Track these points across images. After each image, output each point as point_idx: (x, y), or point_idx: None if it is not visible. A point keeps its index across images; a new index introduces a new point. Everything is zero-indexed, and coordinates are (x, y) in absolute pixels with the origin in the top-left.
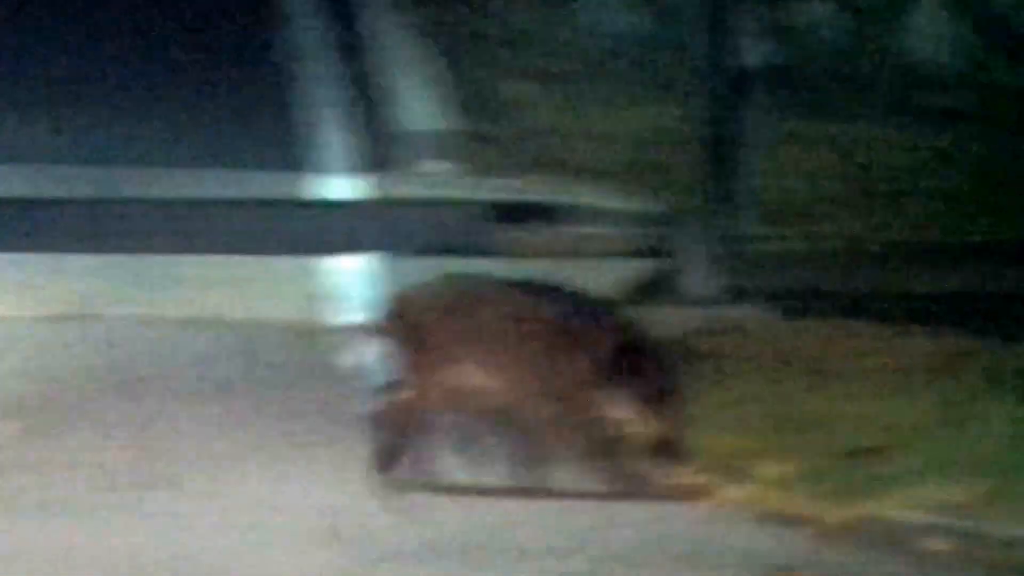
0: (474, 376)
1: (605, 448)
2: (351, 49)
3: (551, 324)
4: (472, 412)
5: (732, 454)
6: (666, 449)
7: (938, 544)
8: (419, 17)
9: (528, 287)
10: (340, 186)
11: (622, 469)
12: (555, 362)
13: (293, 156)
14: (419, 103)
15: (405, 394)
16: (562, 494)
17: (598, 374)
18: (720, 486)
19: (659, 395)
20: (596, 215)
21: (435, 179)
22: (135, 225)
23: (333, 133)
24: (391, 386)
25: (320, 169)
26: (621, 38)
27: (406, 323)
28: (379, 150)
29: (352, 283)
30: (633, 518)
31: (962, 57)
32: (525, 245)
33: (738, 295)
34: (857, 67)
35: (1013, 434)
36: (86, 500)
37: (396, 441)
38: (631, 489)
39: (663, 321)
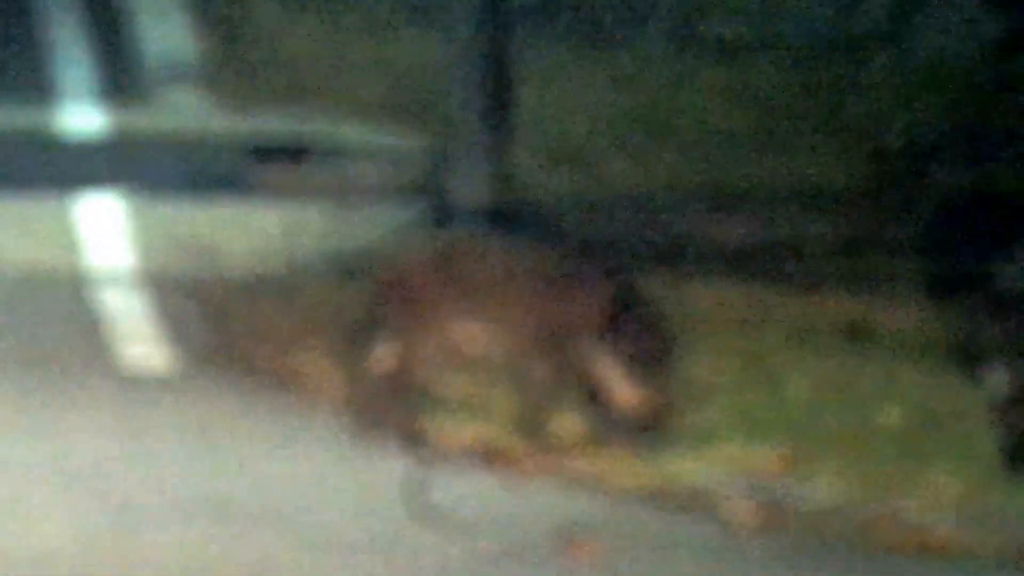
0: (465, 332)
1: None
2: None
3: (545, 275)
4: (461, 369)
5: (520, 411)
6: (654, 416)
7: (739, 508)
8: None
9: (517, 237)
10: (82, 118)
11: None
12: (546, 315)
13: (28, 85)
14: (166, 28)
15: (393, 356)
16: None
17: (590, 329)
18: (515, 446)
19: (653, 357)
20: (358, 152)
21: (184, 112)
22: None
23: (72, 60)
24: (377, 348)
25: (59, 99)
26: None
27: (394, 281)
28: (123, 79)
29: (98, 224)
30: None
31: None
32: (283, 184)
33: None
34: None
35: (815, 392)
36: None
37: (385, 406)
38: (414, 449)
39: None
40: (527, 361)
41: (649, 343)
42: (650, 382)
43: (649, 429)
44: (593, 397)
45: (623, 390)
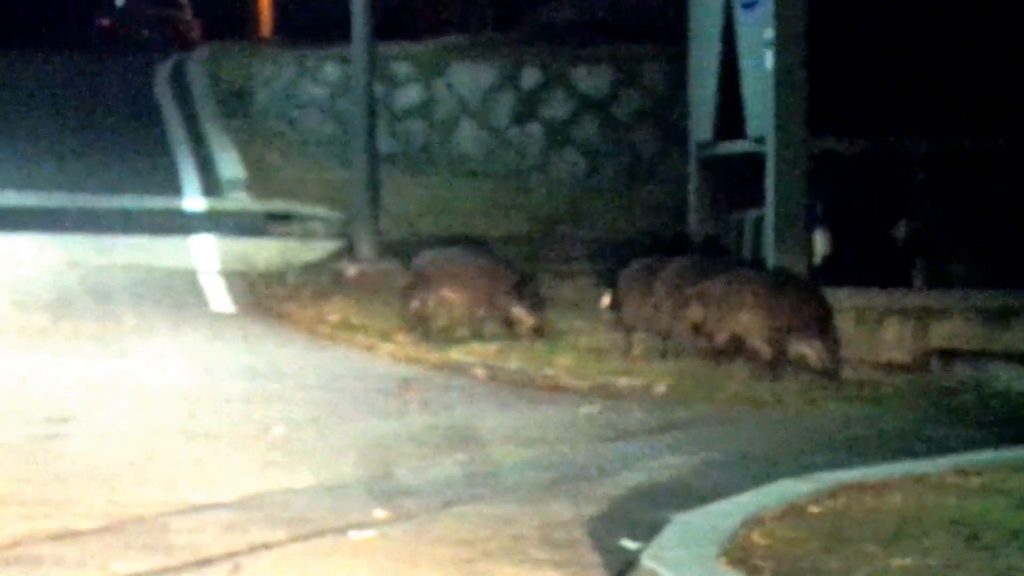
0: (451, 294)
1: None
2: (189, 118)
3: (488, 268)
4: (451, 310)
5: (384, 331)
6: (539, 331)
7: (479, 371)
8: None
9: (479, 252)
10: (194, 203)
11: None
12: (490, 286)
13: (171, 188)
14: (229, 162)
15: (418, 299)
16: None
17: (511, 291)
18: (378, 344)
19: (537, 304)
20: (313, 218)
21: (239, 200)
22: (96, 221)
23: (188, 176)
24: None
25: (185, 194)
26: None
27: (414, 271)
28: (211, 186)
29: (204, 250)
30: (327, 358)
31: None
32: (280, 232)
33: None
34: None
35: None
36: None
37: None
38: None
39: (350, 268)
40: (478, 306)
41: (536, 298)
42: (537, 316)
43: (537, 336)
44: (506, 322)
45: (526, 318)
